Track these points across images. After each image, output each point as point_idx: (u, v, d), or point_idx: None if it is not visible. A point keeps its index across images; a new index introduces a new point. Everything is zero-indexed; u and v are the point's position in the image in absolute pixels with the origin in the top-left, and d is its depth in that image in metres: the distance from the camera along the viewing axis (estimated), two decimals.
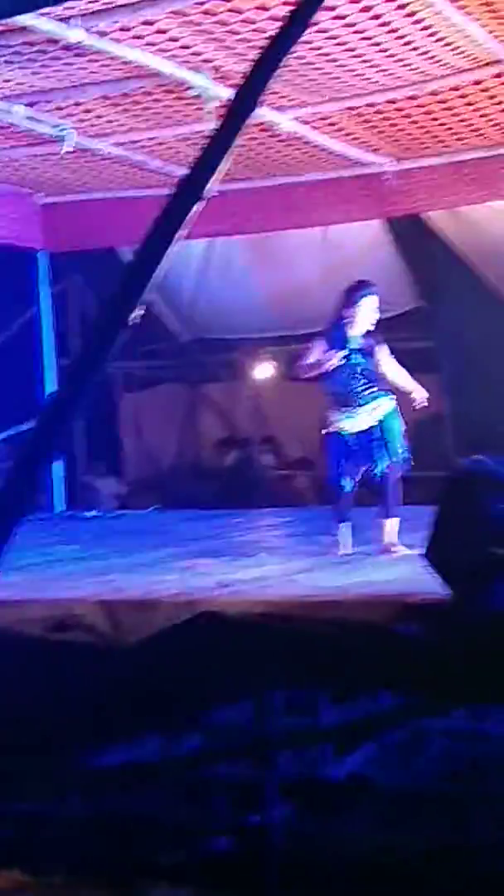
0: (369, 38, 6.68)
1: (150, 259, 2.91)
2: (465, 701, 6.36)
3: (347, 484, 7.29)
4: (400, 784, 6.29)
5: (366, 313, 7.52)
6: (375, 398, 7.41)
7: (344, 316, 7.41)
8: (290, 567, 6.54)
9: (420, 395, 7.80)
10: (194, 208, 2.94)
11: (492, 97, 7.81)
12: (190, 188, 2.96)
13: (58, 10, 5.91)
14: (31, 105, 7.67)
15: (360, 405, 7.33)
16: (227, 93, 6.93)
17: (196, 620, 5.33)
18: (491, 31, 6.74)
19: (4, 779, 5.76)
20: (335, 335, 7.39)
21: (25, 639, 5.59)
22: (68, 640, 5.54)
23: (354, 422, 7.33)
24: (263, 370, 14.56)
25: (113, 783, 6.22)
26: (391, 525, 7.17)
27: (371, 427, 7.33)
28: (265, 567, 6.57)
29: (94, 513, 10.89)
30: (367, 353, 7.43)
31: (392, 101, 7.90)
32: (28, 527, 9.27)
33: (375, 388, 7.41)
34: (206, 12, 6.19)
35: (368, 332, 7.46)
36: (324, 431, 7.38)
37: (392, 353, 13.78)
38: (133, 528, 9.16)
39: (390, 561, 6.61)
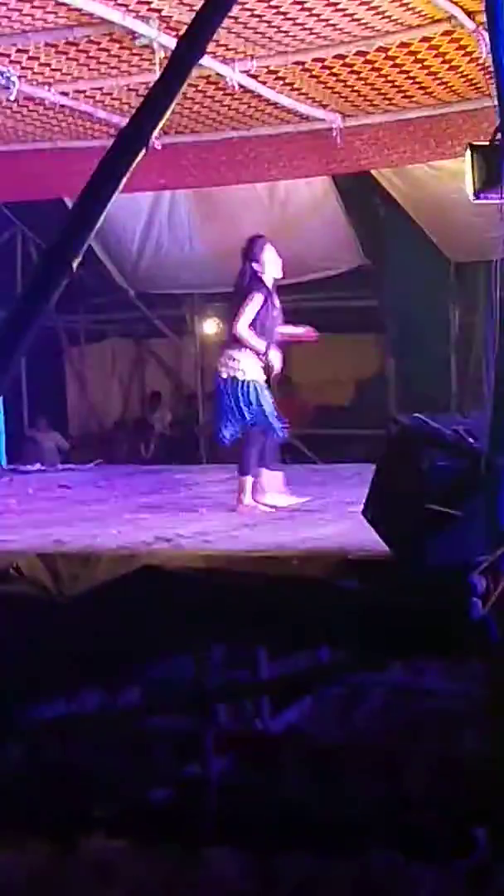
0: None
1: (92, 208, 2.88)
2: (402, 656, 6.46)
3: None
4: (337, 738, 6.38)
5: (273, 262, 7.60)
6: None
7: (258, 269, 7.41)
8: (230, 523, 6.56)
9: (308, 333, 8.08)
10: (136, 158, 2.90)
11: (440, 55, 7.76)
12: (132, 138, 2.92)
13: None
14: None
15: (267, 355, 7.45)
16: (174, 42, 6.84)
17: (136, 574, 5.33)
18: None
19: None
20: (263, 288, 7.36)
21: None
22: (8, 592, 5.52)
23: (260, 371, 7.45)
24: (209, 325, 14.52)
25: (52, 735, 6.25)
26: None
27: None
28: (206, 522, 6.58)
29: (37, 467, 10.83)
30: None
31: (341, 57, 7.83)
32: None
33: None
34: None
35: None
36: (246, 379, 7.35)
37: (337, 311, 13.84)
38: (75, 482, 9.11)
39: (329, 517, 6.65)
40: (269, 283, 7.57)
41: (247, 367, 7.34)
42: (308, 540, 5.68)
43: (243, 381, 7.33)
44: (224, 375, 7.38)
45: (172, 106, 3.01)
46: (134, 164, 2.90)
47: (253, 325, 7.37)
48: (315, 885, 4.63)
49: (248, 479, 7.35)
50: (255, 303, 7.36)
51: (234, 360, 7.37)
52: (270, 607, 5.18)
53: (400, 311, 12.76)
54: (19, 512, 7.62)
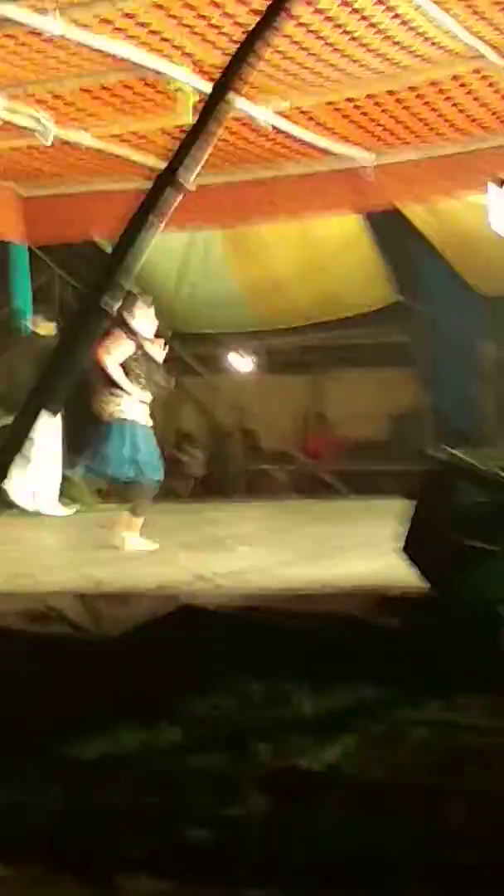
0: (349, 33, 6.70)
1: (128, 250, 2.91)
2: (442, 693, 6.41)
3: None
4: (378, 776, 6.33)
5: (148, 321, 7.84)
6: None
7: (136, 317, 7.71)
8: (268, 560, 6.56)
9: None
10: (173, 203, 2.94)
11: (469, 92, 7.84)
12: (168, 182, 2.96)
13: (38, 1, 5.91)
14: (12, 97, 7.64)
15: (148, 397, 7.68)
16: (207, 86, 6.93)
17: (176, 614, 5.33)
18: (468, 27, 6.76)
19: None
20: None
21: (4, 631, 5.59)
22: (48, 632, 5.53)
23: (143, 413, 7.67)
24: (242, 364, 14.59)
25: (92, 775, 6.23)
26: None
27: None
28: (244, 560, 6.59)
29: (75, 507, 10.88)
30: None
31: (371, 96, 7.92)
32: (7, 521, 9.27)
33: None
34: (186, 5, 6.20)
35: None
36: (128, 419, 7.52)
37: (371, 347, 13.87)
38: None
39: (367, 554, 6.64)
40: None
41: (127, 408, 7.54)
42: (346, 577, 5.68)
43: (125, 422, 7.55)
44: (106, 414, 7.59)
45: (209, 150, 3.05)
46: (171, 210, 2.94)
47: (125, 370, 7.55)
48: None
49: (139, 520, 7.51)
50: (116, 339, 7.53)
51: (112, 398, 7.56)
52: (311, 645, 5.16)
53: (433, 347, 12.78)
54: (58, 553, 7.66)
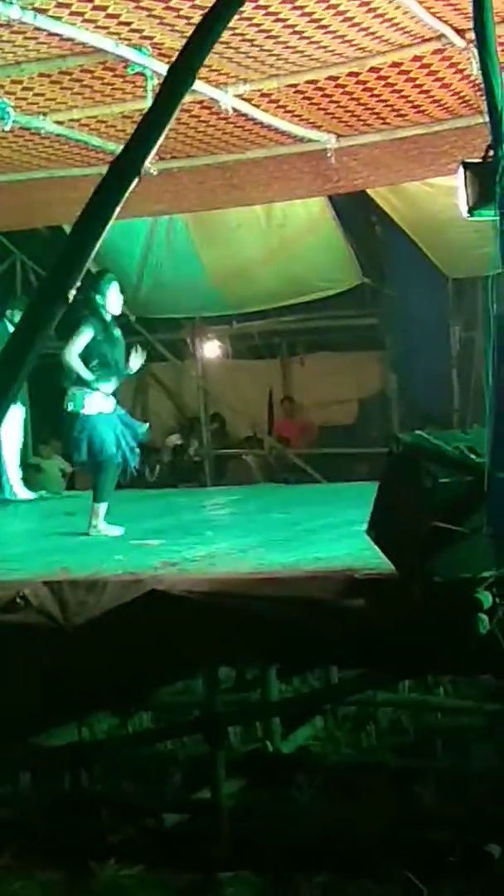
0: (309, 15, 6.67)
1: (87, 238, 2.90)
2: (411, 674, 6.45)
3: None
4: (347, 757, 6.38)
5: (115, 298, 7.78)
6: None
7: (101, 305, 7.68)
8: (236, 545, 6.56)
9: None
10: (131, 185, 2.92)
11: (432, 73, 7.80)
12: (126, 165, 2.94)
13: None
14: None
15: (114, 387, 7.66)
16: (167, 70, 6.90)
17: (143, 599, 5.33)
18: (429, 8, 6.74)
19: None
20: (96, 321, 7.62)
21: None
22: (16, 620, 5.52)
23: (109, 403, 7.61)
24: (210, 349, 14.57)
25: (63, 762, 6.24)
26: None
27: (115, 410, 7.65)
28: (212, 545, 6.58)
29: (41, 493, 10.85)
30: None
31: (333, 78, 7.88)
32: None
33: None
34: None
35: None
36: (86, 412, 7.51)
37: (338, 330, 13.87)
38: (80, 509, 9.13)
39: (334, 537, 6.65)
40: (107, 317, 7.66)
41: (87, 401, 7.51)
42: (313, 560, 5.69)
43: (83, 415, 7.51)
44: (68, 409, 7.59)
45: (164, 134, 3.03)
46: (128, 193, 2.92)
47: (90, 356, 7.53)
48: None
49: (103, 506, 7.50)
50: (84, 336, 7.49)
51: (74, 394, 7.55)
52: (279, 629, 5.17)
53: (400, 329, 12.80)
54: (25, 540, 7.64)
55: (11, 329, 9.74)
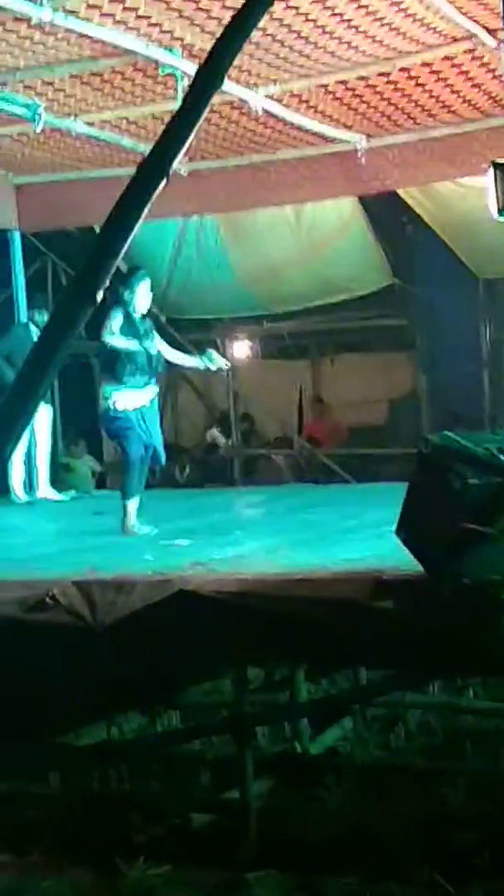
0: (340, 15, 6.67)
1: (115, 239, 2.90)
2: (440, 676, 6.43)
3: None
4: (376, 759, 6.36)
5: (143, 295, 7.71)
6: (153, 381, 7.69)
7: (130, 301, 7.62)
8: (265, 545, 6.56)
9: (213, 362, 8.12)
10: (159, 186, 2.93)
11: (463, 73, 7.80)
12: (154, 166, 2.95)
13: None
14: (1, 84, 7.61)
15: (145, 385, 7.57)
16: None
17: (171, 599, 5.33)
18: (460, 7, 6.73)
19: None
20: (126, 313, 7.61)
21: (2, 619, 5.60)
22: (45, 620, 5.53)
23: (138, 400, 7.56)
24: (240, 349, 14.58)
25: (91, 762, 6.26)
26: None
27: (145, 407, 7.58)
28: (241, 545, 6.59)
29: (72, 493, 10.88)
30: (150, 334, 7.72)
31: (363, 78, 7.89)
32: (6, 508, 9.27)
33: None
34: None
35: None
36: (116, 407, 7.49)
37: (368, 331, 13.88)
38: (110, 508, 9.16)
39: (364, 537, 6.64)
40: (135, 314, 7.64)
41: (118, 399, 7.50)
42: (342, 561, 5.68)
43: (112, 411, 7.51)
44: (101, 406, 7.63)
45: (193, 135, 3.04)
46: (156, 194, 2.93)
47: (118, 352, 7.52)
48: None
49: (133, 503, 7.48)
50: (116, 319, 7.48)
51: (105, 390, 7.57)
52: (307, 629, 5.17)
53: (430, 329, 12.77)
54: (54, 540, 7.67)
55: (35, 331, 9.77)
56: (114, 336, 7.43)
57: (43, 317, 9.86)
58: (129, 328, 7.53)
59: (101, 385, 7.66)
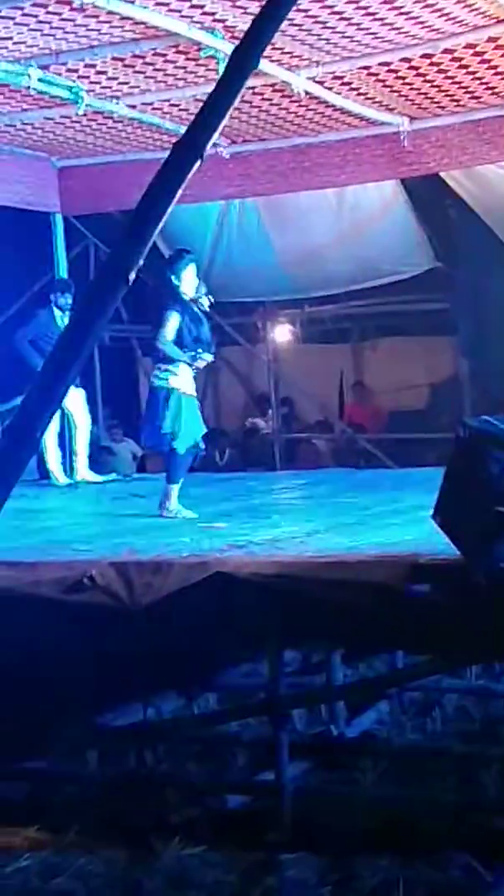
0: None
1: (149, 220, 2.90)
2: (476, 660, 6.41)
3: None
4: (412, 743, 6.36)
5: (190, 279, 7.71)
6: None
7: (178, 286, 7.62)
8: (303, 528, 6.56)
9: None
10: (194, 167, 2.93)
11: None
12: (187, 149, 2.95)
13: None
14: (43, 67, 7.63)
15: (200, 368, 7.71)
16: None
17: (208, 581, 5.35)
18: None
19: (22, 739, 5.84)
20: (178, 305, 7.60)
21: (41, 600, 5.64)
22: (83, 601, 5.57)
23: (191, 385, 7.63)
24: (281, 333, 14.54)
25: (128, 742, 6.30)
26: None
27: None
28: (278, 528, 6.59)
29: (112, 476, 10.93)
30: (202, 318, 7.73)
31: (406, 60, 7.83)
32: (47, 491, 9.33)
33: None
34: None
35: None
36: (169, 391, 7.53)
37: (409, 315, 13.79)
38: (149, 491, 9.20)
39: (402, 522, 6.62)
40: (185, 297, 7.65)
41: (174, 379, 7.53)
42: (380, 545, 5.67)
43: (169, 391, 7.51)
44: (154, 385, 7.61)
45: (228, 115, 3.03)
46: (189, 176, 2.92)
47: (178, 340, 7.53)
48: (392, 889, 4.61)
49: (175, 487, 7.54)
50: (172, 321, 7.49)
51: (161, 371, 7.56)
52: (344, 613, 5.17)
53: (472, 313, 12.66)
54: (93, 522, 7.71)
55: (57, 312, 9.73)
56: (167, 345, 7.50)
57: (67, 300, 9.80)
58: (188, 314, 7.54)
59: (156, 367, 7.66)
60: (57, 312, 9.73)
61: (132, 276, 2.83)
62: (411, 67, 8.00)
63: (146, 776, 6.07)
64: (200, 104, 8.26)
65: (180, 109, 8.79)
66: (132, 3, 6.55)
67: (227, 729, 6.44)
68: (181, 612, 5.43)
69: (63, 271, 11.22)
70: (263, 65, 7.32)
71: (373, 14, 6.93)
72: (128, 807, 5.63)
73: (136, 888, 4.89)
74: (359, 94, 8.63)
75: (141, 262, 2.88)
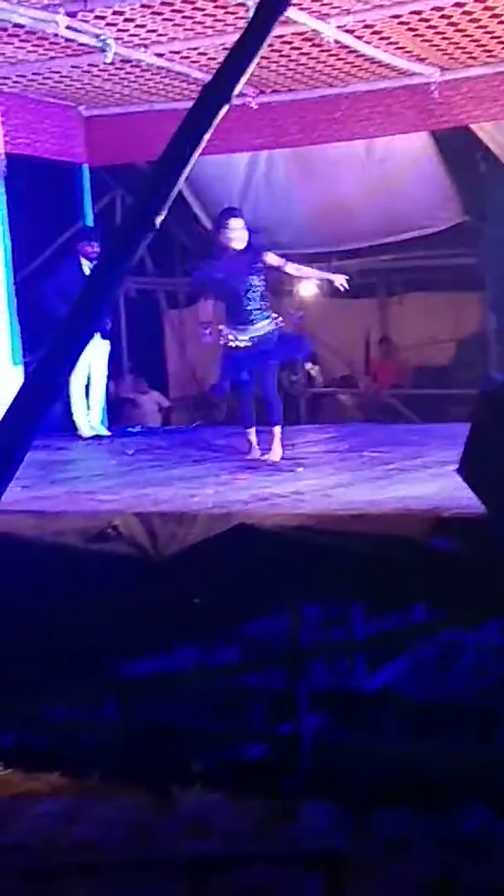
0: None
1: (174, 166, 2.88)
2: (497, 615, 6.40)
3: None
4: (431, 697, 6.36)
5: (236, 234, 7.77)
6: (264, 318, 7.82)
7: (220, 243, 7.76)
8: (327, 482, 6.56)
9: (338, 279, 8.28)
10: (220, 112, 2.89)
11: None
12: (214, 94, 2.91)
13: None
14: (71, 15, 7.57)
15: (251, 322, 7.73)
16: None
17: (231, 533, 5.36)
18: None
19: (44, 686, 5.89)
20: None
21: (65, 549, 5.67)
22: (106, 551, 5.60)
23: (245, 336, 7.74)
24: (307, 287, 14.46)
25: (149, 691, 6.34)
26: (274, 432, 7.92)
27: (256, 342, 7.77)
28: (302, 482, 6.59)
29: (138, 428, 10.95)
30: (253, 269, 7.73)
31: (438, 9, 7.72)
32: (72, 442, 9.36)
33: (261, 309, 7.82)
34: None
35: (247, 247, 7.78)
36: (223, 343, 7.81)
37: (436, 270, 13.66)
38: (174, 443, 9.21)
39: (426, 476, 6.61)
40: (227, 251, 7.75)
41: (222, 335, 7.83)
42: (403, 499, 5.67)
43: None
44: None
45: (255, 61, 2.99)
46: (216, 122, 2.89)
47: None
48: (407, 840, 4.64)
49: (252, 430, 8.00)
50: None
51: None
52: (366, 566, 5.18)
53: (500, 269, 12.55)
54: (117, 473, 7.72)
55: (84, 262, 9.64)
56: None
57: (94, 248, 9.71)
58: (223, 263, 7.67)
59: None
60: (84, 262, 9.66)
61: (158, 221, 2.81)
62: (443, 17, 7.89)
63: (166, 725, 6.11)
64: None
65: (209, 58, 8.71)
66: None
67: (248, 680, 6.47)
68: (204, 563, 5.45)
69: (90, 222, 11.17)
70: (293, 13, 7.26)
71: None
72: (148, 755, 5.68)
73: (157, 833, 4.94)
74: (389, 44, 8.53)
75: (166, 208, 2.86)
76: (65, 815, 5.15)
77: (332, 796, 5.02)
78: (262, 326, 7.77)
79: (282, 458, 7.87)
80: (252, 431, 8.01)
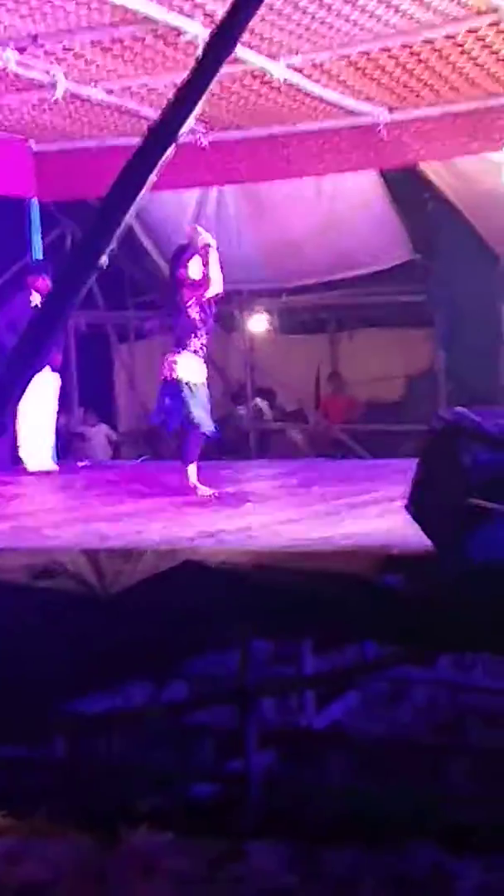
0: None
1: (120, 206, 2.88)
2: (446, 651, 6.42)
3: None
4: (381, 734, 6.36)
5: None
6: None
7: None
8: (275, 517, 6.55)
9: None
10: (166, 152, 2.90)
11: (487, 46, 7.72)
12: (161, 133, 2.92)
13: None
14: (20, 50, 7.58)
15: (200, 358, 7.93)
16: None
17: (179, 569, 5.33)
18: None
19: None
20: None
21: (10, 586, 5.61)
22: (52, 587, 5.55)
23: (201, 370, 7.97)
24: (257, 322, 14.52)
25: (96, 729, 6.28)
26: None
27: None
28: (250, 517, 6.58)
29: (85, 462, 10.89)
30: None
31: (386, 50, 7.81)
32: (18, 477, 9.27)
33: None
34: None
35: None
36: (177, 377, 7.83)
37: (386, 306, 13.75)
38: (121, 478, 9.16)
39: (375, 513, 6.62)
40: None
41: (182, 368, 7.82)
42: (352, 535, 5.66)
43: (179, 381, 7.79)
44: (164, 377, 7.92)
45: (203, 100, 3.00)
46: (163, 161, 2.90)
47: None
48: (357, 879, 4.62)
49: (192, 467, 7.91)
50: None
51: (173, 362, 7.84)
52: (315, 602, 5.16)
53: (449, 306, 12.69)
54: (65, 508, 7.67)
55: (35, 296, 9.55)
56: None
57: (46, 282, 9.64)
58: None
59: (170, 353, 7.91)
60: (35, 295, 9.60)
61: (104, 260, 2.81)
62: (391, 57, 7.98)
63: (113, 763, 6.06)
64: None
65: (158, 94, 8.74)
66: None
67: (196, 718, 6.43)
68: (151, 600, 5.41)
69: (39, 255, 11.13)
70: (242, 51, 7.31)
71: (353, 2, 6.90)
72: (95, 794, 5.62)
73: (104, 874, 4.88)
74: (338, 83, 8.61)
75: (112, 246, 2.85)
76: (9, 855, 5.07)
77: (282, 835, 4.99)
78: None
79: (230, 494, 7.86)
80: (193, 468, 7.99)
